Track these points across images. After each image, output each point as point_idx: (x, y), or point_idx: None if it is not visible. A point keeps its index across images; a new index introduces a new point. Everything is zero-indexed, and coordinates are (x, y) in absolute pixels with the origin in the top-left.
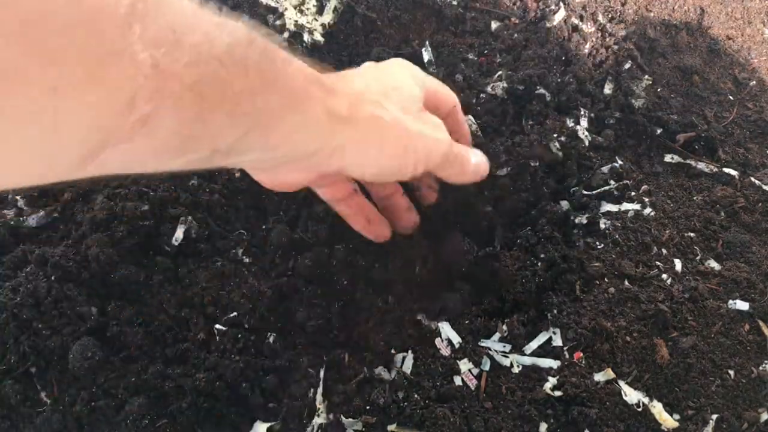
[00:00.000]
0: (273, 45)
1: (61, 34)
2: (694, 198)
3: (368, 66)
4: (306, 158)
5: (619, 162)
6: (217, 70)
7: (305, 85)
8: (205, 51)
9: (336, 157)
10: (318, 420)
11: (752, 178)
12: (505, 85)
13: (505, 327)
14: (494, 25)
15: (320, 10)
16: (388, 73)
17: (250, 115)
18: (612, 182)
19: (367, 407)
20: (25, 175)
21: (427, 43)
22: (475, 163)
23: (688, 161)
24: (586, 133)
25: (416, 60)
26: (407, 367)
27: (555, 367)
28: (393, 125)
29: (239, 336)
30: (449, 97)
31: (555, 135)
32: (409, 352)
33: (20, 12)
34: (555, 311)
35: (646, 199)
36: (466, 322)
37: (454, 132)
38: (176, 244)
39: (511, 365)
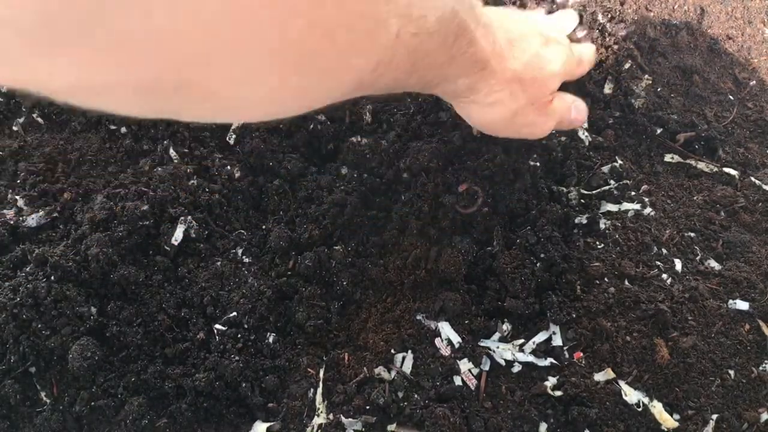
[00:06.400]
0: (468, 19)
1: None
2: (694, 198)
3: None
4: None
5: (619, 162)
6: (425, 41)
7: (479, 60)
8: (422, 24)
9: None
10: (318, 420)
11: (752, 178)
12: None
13: (505, 327)
14: None
15: None
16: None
17: (431, 78)
18: (612, 182)
19: (367, 407)
20: (303, 105)
21: None
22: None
23: (688, 161)
24: (586, 133)
25: None
26: (407, 367)
27: (555, 367)
28: (518, 112)
29: (239, 336)
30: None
31: (555, 135)
32: (409, 352)
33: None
34: (555, 311)
35: (646, 199)
36: (466, 322)
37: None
38: (176, 244)
39: (511, 365)
